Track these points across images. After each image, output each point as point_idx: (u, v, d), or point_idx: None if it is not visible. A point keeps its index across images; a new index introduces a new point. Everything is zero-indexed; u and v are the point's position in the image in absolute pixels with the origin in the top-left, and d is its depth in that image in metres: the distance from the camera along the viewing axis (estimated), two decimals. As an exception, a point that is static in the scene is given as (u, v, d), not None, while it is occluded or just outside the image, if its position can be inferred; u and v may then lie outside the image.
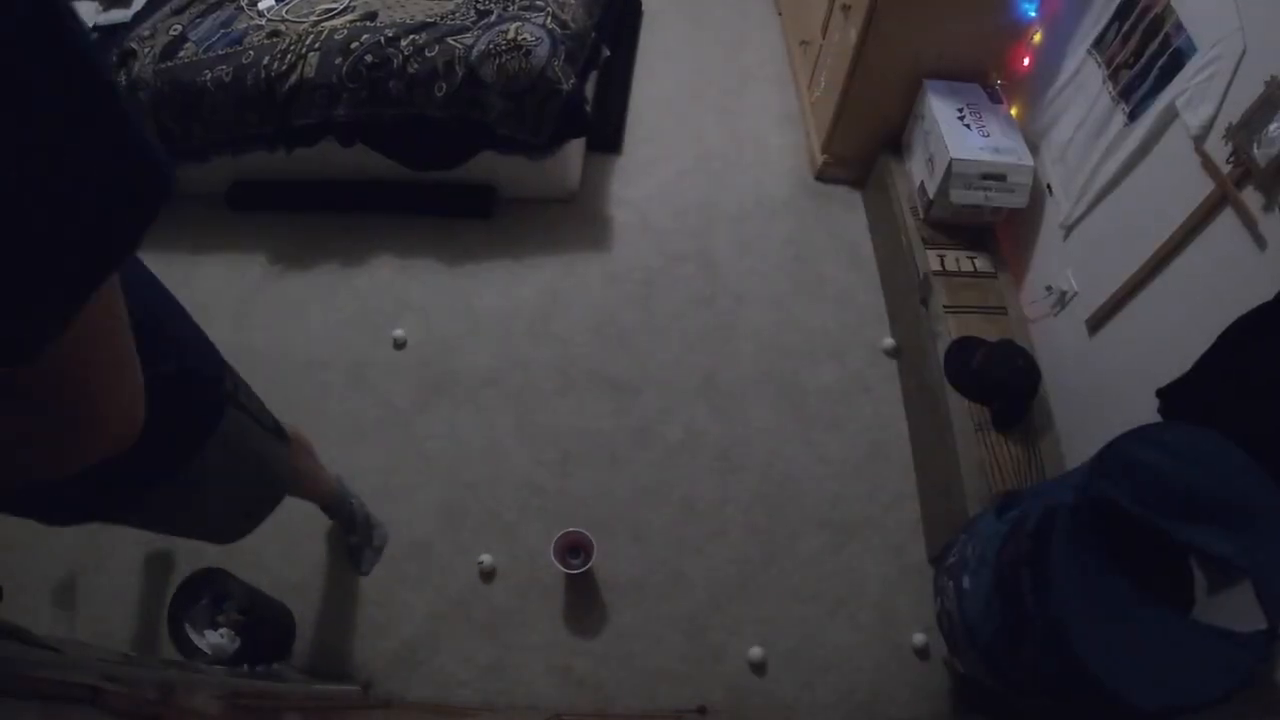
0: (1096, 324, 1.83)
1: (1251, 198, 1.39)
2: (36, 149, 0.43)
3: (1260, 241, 1.37)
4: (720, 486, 2.09)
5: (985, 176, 2.12)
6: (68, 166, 0.45)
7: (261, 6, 2.46)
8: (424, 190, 2.58)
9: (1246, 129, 1.39)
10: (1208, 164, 1.49)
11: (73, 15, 0.44)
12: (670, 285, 2.47)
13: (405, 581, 1.94)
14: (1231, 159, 1.43)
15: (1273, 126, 1.33)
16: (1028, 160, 2.11)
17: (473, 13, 2.33)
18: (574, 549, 1.87)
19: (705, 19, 3.34)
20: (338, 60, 2.24)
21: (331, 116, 2.30)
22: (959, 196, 2.15)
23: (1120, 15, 1.79)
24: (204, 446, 1.04)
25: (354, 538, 1.95)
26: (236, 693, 1.08)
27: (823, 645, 1.87)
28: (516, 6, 2.32)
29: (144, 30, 2.38)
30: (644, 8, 3.32)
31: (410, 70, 2.22)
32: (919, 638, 1.86)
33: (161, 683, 0.92)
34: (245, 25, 2.40)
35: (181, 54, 2.32)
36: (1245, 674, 1.14)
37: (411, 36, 2.25)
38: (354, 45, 2.24)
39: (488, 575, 1.95)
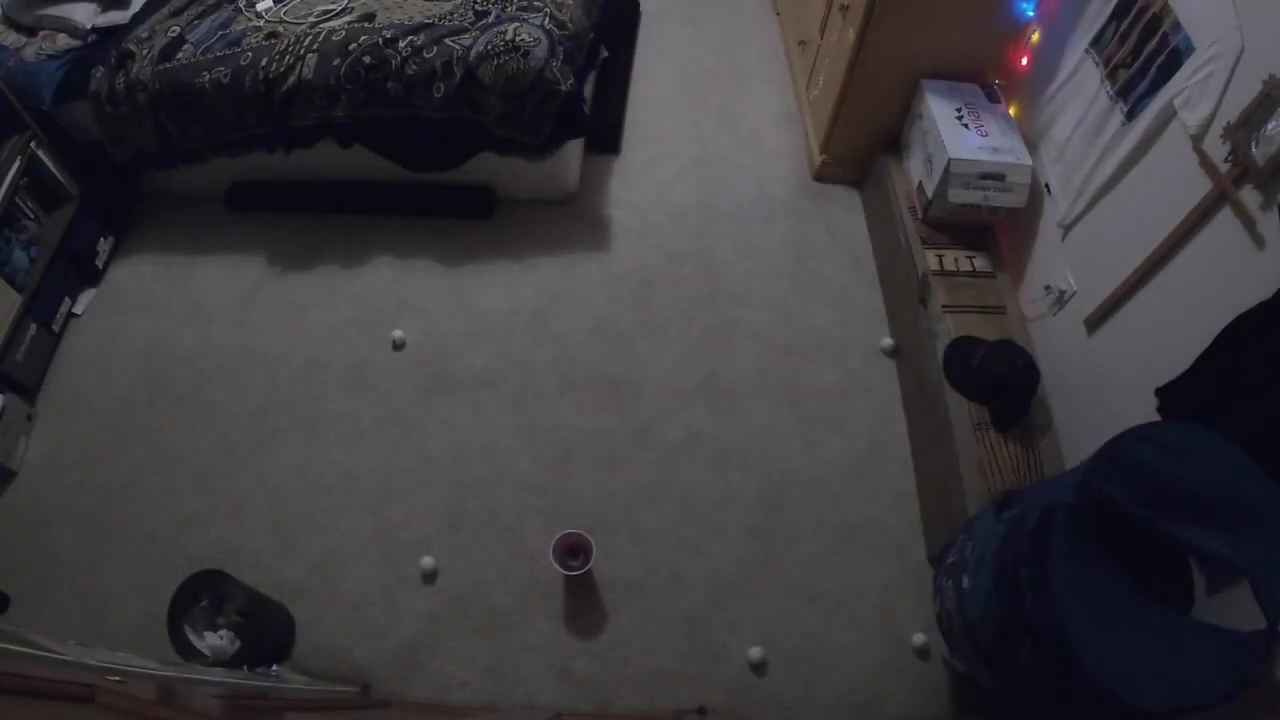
0: (1095, 323, 1.83)
1: (1249, 196, 1.39)
2: None
3: (1259, 240, 1.37)
4: (720, 486, 2.09)
5: (983, 176, 2.12)
6: None
7: (260, 8, 2.46)
8: (423, 191, 2.58)
9: (1244, 128, 1.39)
10: (1206, 163, 1.49)
11: None
12: (669, 285, 2.47)
13: (405, 582, 1.94)
14: (1229, 158, 1.43)
15: (1270, 125, 1.33)
16: (1026, 160, 2.11)
17: (471, 14, 2.33)
18: (573, 550, 1.87)
19: (704, 19, 3.34)
20: (336, 61, 2.24)
21: (330, 118, 2.30)
22: (957, 196, 2.15)
23: (1118, 14, 1.79)
24: None
25: None
26: (236, 694, 1.08)
27: (823, 645, 1.87)
28: (514, 7, 2.32)
29: (142, 32, 2.38)
30: (642, 8, 3.31)
31: (408, 71, 2.22)
32: (919, 638, 1.86)
33: (161, 683, 0.92)
34: (243, 26, 2.39)
35: (180, 55, 2.31)
36: (1244, 674, 1.14)
37: (410, 37, 2.25)
38: (352, 46, 2.24)
39: (481, 576, 1.94)
